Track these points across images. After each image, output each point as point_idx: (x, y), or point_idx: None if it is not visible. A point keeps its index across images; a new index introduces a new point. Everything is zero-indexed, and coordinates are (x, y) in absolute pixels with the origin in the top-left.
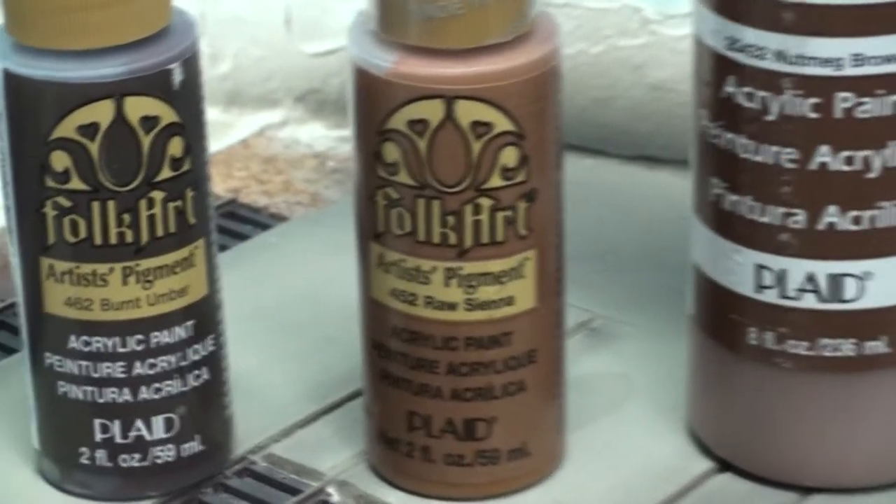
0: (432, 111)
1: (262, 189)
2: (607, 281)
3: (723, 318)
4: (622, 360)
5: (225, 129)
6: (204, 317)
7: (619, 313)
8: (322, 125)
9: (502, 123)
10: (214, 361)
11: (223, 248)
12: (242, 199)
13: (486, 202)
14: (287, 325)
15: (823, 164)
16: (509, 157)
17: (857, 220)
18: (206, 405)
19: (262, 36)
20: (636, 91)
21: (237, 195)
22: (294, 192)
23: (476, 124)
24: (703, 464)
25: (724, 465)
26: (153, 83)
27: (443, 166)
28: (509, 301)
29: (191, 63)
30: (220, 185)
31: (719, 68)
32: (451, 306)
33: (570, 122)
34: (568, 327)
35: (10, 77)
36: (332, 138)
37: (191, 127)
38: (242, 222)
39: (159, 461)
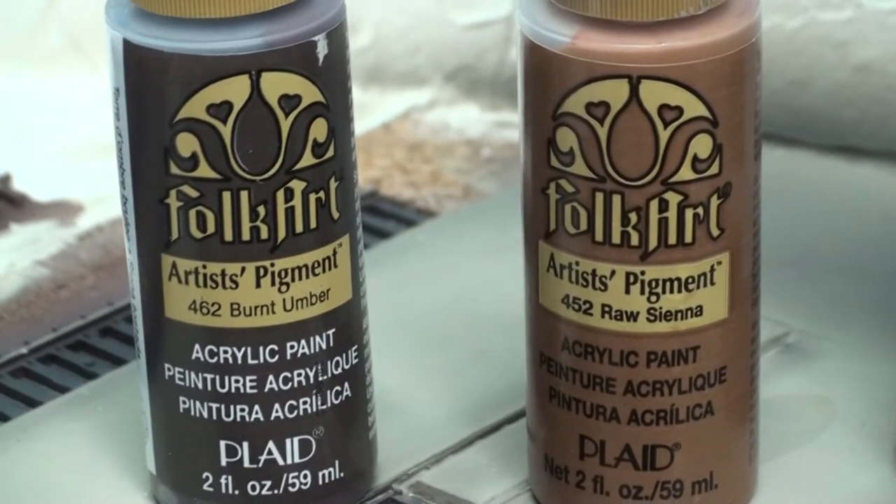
0: (615, 93)
1: (406, 180)
2: (803, 290)
3: None
4: (822, 381)
5: (364, 111)
6: (346, 325)
7: (817, 327)
8: (476, 107)
9: (694, 108)
10: (357, 376)
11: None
12: (384, 191)
13: (673, 198)
14: (436, 336)
15: None
16: (701, 146)
17: None
18: (347, 426)
19: (408, 3)
20: (838, 72)
21: (378, 187)
22: (444, 183)
23: (664, 108)
24: None
25: None
26: (295, 57)
27: (625, 156)
28: (698, 311)
29: (337, 35)
30: (359, 175)
31: None
32: (632, 316)
33: (762, 107)
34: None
35: (131, 48)
36: (488, 122)
37: (336, 108)
38: (384, 217)
39: (293, 489)
